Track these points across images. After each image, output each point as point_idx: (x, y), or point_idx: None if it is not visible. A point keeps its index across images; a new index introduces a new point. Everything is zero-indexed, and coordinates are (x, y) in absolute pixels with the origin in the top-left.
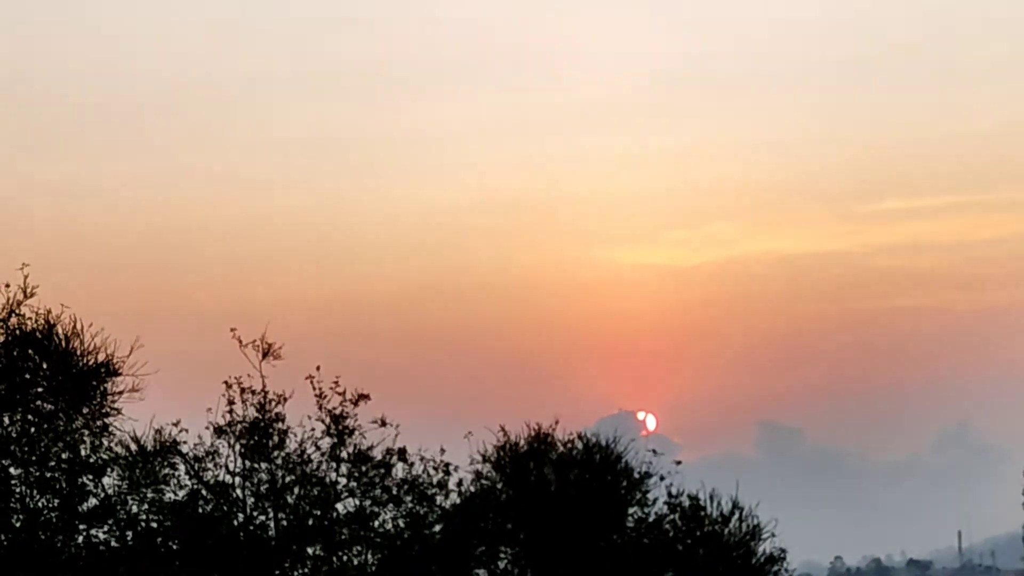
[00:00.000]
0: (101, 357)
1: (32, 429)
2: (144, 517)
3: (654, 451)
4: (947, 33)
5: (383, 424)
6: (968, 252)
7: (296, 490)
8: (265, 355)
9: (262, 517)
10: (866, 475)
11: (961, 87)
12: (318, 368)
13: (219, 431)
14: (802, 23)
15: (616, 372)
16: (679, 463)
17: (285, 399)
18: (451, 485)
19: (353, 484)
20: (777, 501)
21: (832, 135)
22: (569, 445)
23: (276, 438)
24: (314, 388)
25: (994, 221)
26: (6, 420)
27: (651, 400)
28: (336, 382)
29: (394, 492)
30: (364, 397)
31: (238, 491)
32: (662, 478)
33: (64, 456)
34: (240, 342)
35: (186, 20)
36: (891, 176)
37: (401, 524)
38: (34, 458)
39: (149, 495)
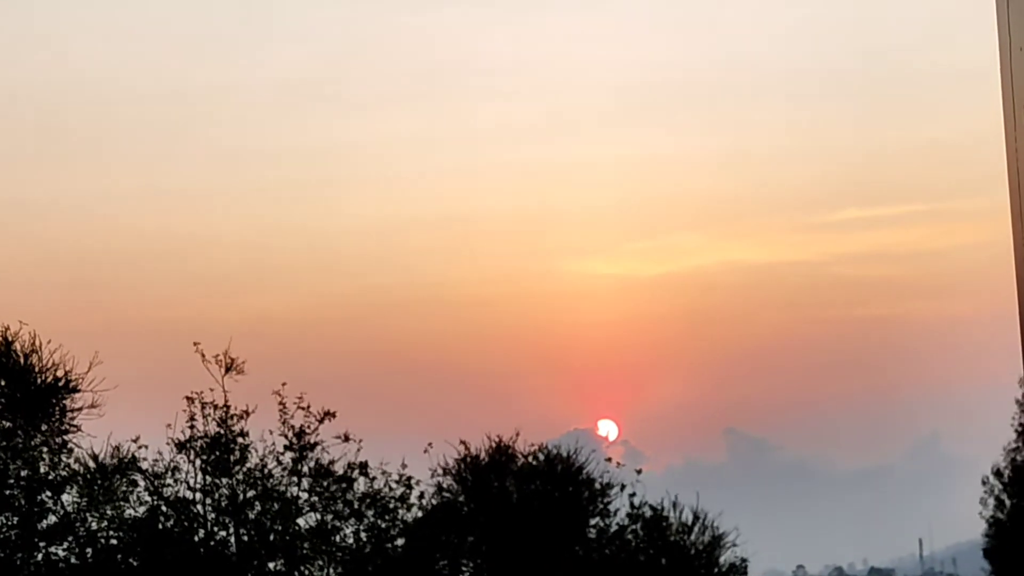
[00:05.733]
0: (59, 374)
1: None
2: (104, 534)
3: (610, 459)
4: (906, 43)
5: (346, 439)
6: (929, 261)
7: (257, 505)
8: (228, 370)
9: (223, 532)
10: (828, 483)
11: (919, 96)
12: (284, 384)
13: (180, 446)
14: (762, 35)
15: (579, 384)
16: (640, 472)
17: (248, 414)
18: (413, 498)
19: (315, 499)
20: (741, 510)
21: (791, 145)
22: (530, 457)
23: (238, 453)
24: (279, 404)
25: (954, 230)
26: None
27: (615, 411)
28: (300, 397)
29: (356, 506)
30: (330, 415)
31: (199, 507)
32: (623, 488)
33: (22, 473)
34: (203, 356)
35: (135, 37)
36: (850, 185)
37: (363, 538)
38: None
39: (108, 512)
